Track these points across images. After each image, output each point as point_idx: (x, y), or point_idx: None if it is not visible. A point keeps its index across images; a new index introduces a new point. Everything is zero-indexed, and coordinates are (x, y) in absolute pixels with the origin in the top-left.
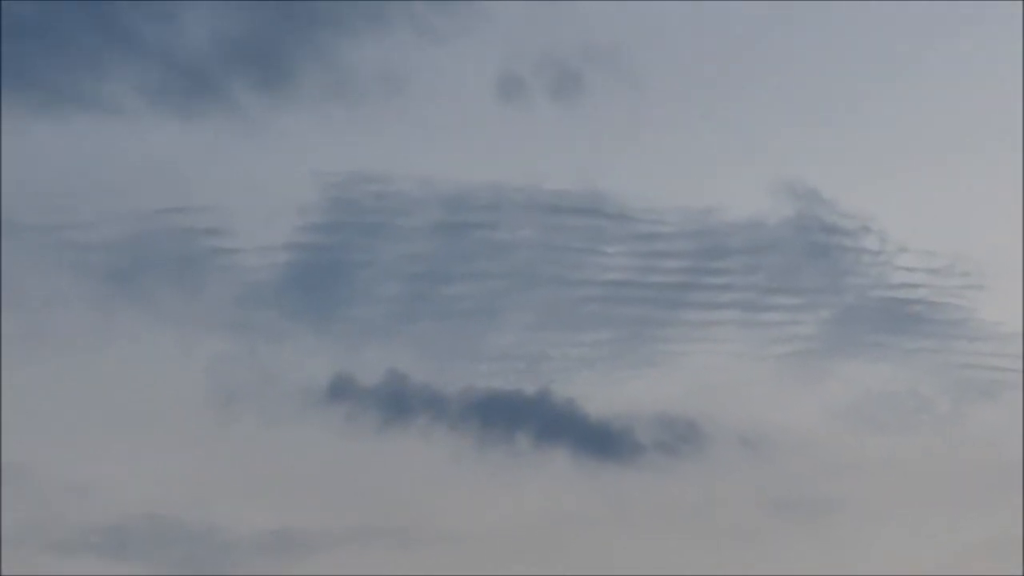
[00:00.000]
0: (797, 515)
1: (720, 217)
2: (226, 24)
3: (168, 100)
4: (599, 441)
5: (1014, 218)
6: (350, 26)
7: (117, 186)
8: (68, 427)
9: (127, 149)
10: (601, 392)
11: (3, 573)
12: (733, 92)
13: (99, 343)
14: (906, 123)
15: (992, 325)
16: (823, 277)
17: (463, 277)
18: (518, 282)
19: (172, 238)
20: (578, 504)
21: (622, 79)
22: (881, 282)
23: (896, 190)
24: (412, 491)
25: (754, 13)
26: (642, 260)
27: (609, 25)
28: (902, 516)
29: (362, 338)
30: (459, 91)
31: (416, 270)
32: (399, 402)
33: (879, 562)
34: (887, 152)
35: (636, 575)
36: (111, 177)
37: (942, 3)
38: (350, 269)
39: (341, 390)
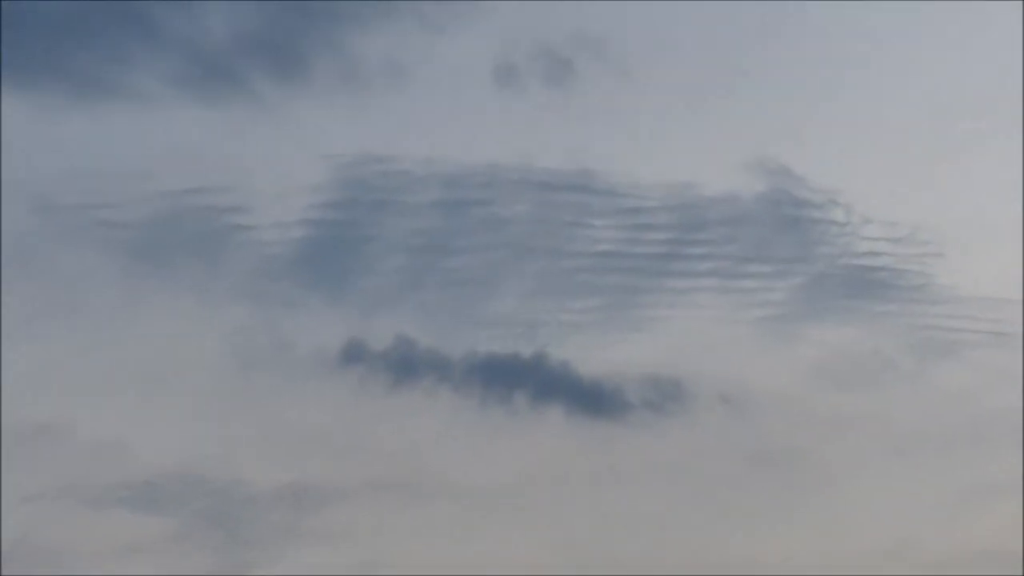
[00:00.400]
0: (773, 466)
1: (699, 192)
2: (244, 18)
3: (191, 89)
4: (591, 400)
5: (970, 190)
6: (359, 20)
7: (144, 169)
8: (101, 390)
9: (154, 134)
10: (592, 354)
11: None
12: (711, 78)
13: (129, 313)
14: (870, 106)
15: (950, 289)
16: (794, 247)
17: (463, 249)
18: (514, 254)
19: (195, 216)
20: (572, 458)
21: (609, 67)
22: (847, 251)
23: (860, 166)
24: (418, 447)
25: (731, 11)
26: (628, 232)
27: (598, 16)
28: (869, 466)
29: (371, 307)
30: (458, 79)
31: (420, 243)
32: (406, 365)
33: (849, 508)
34: (852, 132)
35: (624, 522)
36: (139, 160)
37: None
38: (359, 243)
39: (353, 354)
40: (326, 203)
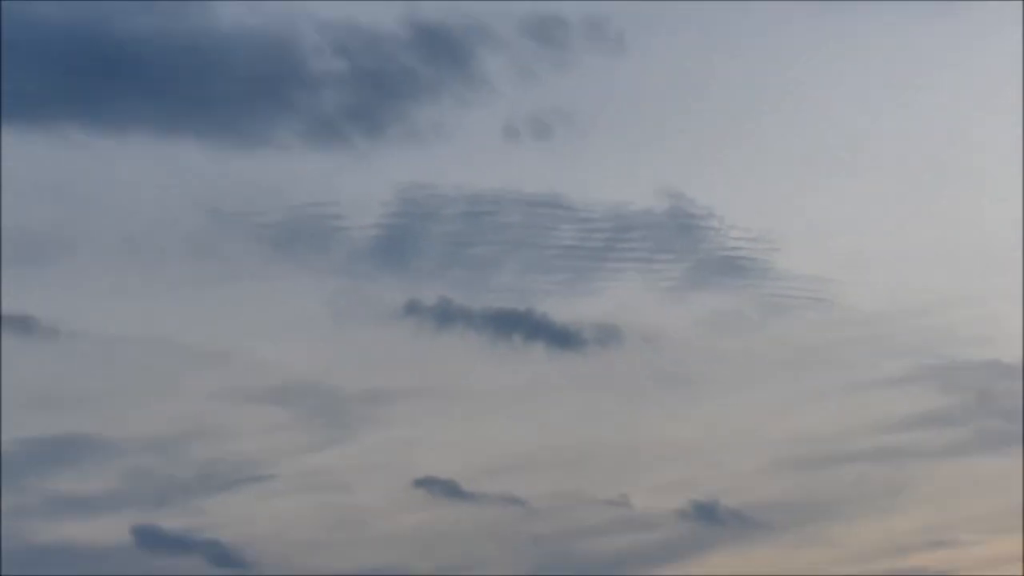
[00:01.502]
0: (675, 383)
1: (627, 208)
2: (346, 94)
3: (311, 139)
4: (561, 339)
5: (800, 207)
6: (414, 97)
7: (281, 190)
8: (250, 327)
9: (289, 168)
10: (561, 310)
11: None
12: (637, 135)
13: (269, 280)
14: (736, 153)
15: (784, 271)
16: (686, 244)
17: (480, 243)
18: (512, 246)
19: (311, 220)
20: (548, 375)
21: (574, 130)
22: (720, 247)
23: (728, 191)
24: (451, 369)
25: (652, 83)
26: (583, 233)
27: (568, 92)
28: (734, 382)
29: (422, 278)
30: (477, 136)
31: (452, 239)
32: (445, 316)
33: (721, 408)
34: (722, 170)
35: (583, 416)
36: (277, 184)
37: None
38: (413, 238)
39: (411, 309)
40: (392, 213)
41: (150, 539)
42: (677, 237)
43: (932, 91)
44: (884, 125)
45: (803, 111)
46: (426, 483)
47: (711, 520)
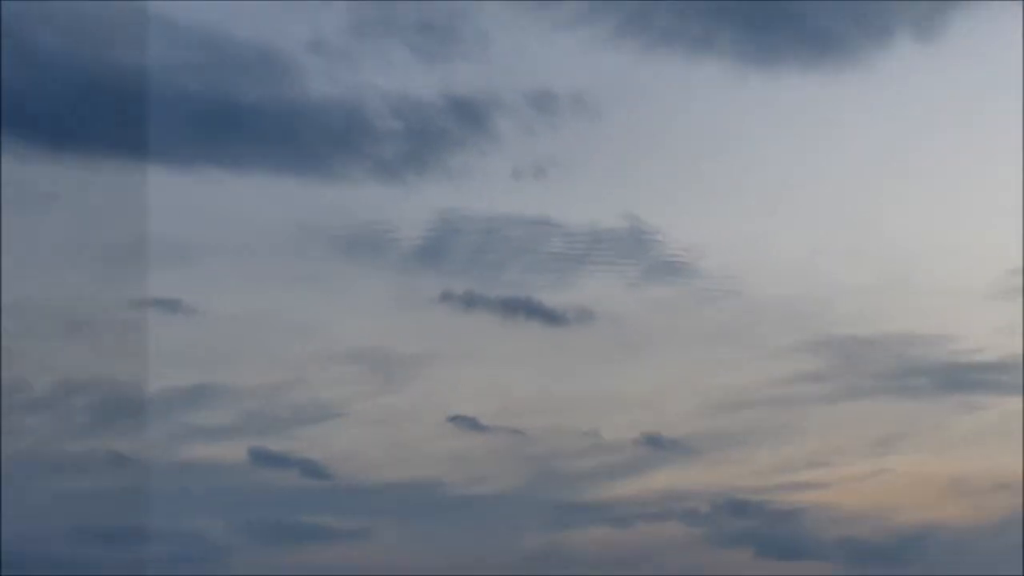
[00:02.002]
0: (626, 346)
1: (597, 227)
2: (400, 144)
3: (376, 173)
4: (548, 316)
5: (721, 223)
6: (448, 148)
7: (354, 213)
8: (333, 311)
9: (358, 198)
10: (551, 298)
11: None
12: (606, 175)
13: (343, 276)
14: (674, 186)
15: (709, 271)
16: (641, 252)
17: (494, 252)
18: (514, 253)
19: (373, 234)
20: (541, 344)
21: (560, 171)
22: (664, 254)
23: (670, 215)
24: (474, 339)
25: (623, 130)
26: (566, 245)
27: (562, 138)
28: (676, 356)
29: (456, 275)
30: (493, 177)
31: (474, 249)
32: (470, 301)
33: (665, 372)
34: (664, 200)
35: (559, 369)
36: (352, 210)
37: None
38: (448, 248)
39: (446, 297)
40: (431, 229)
41: (261, 458)
42: (634, 248)
43: (841, 146)
44: (792, 169)
45: (727, 158)
46: (456, 419)
47: (657, 447)
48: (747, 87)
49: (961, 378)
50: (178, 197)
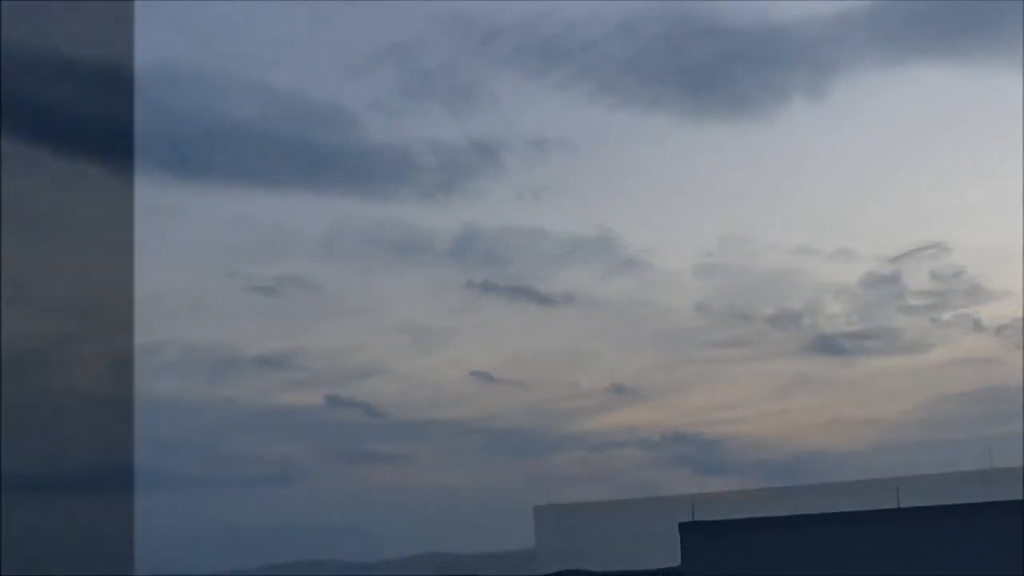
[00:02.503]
0: (602, 327)
1: (578, 235)
2: (435, 175)
3: (416, 197)
4: (544, 300)
5: (664, 231)
6: (470, 177)
7: (399, 224)
8: (382, 296)
9: (402, 213)
10: (545, 286)
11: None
12: (589, 189)
13: (390, 272)
14: (635, 201)
15: (663, 268)
16: (608, 253)
17: (503, 252)
18: (519, 254)
19: (414, 239)
20: (536, 319)
21: (551, 194)
22: (625, 254)
23: (630, 225)
24: (490, 316)
25: (605, 153)
26: (555, 247)
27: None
28: (633, 328)
29: (475, 269)
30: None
31: (488, 251)
32: (486, 288)
33: (623, 338)
34: (626, 213)
35: (542, 339)
36: (397, 222)
37: None
38: (469, 249)
39: (469, 285)
40: (458, 237)
41: (333, 403)
42: (604, 249)
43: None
44: (714, 193)
45: (672, 185)
46: (476, 374)
47: (621, 393)
48: (686, 134)
49: (838, 344)
50: (271, 216)
